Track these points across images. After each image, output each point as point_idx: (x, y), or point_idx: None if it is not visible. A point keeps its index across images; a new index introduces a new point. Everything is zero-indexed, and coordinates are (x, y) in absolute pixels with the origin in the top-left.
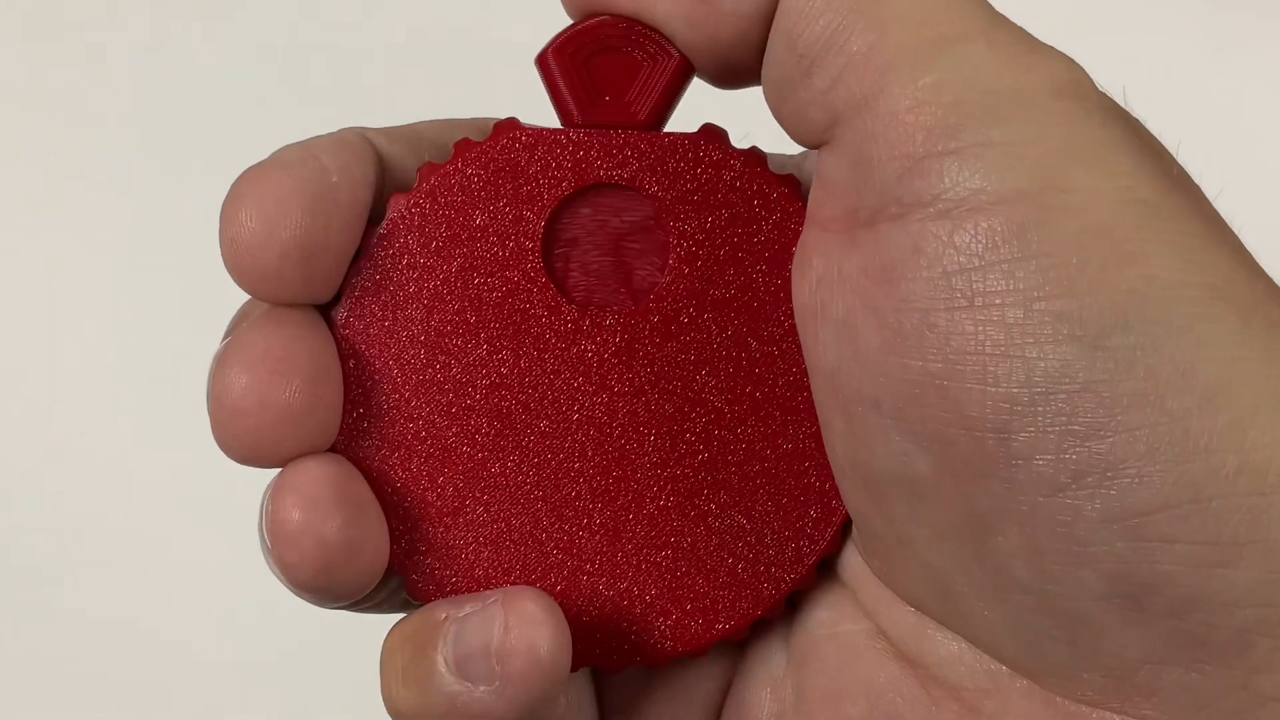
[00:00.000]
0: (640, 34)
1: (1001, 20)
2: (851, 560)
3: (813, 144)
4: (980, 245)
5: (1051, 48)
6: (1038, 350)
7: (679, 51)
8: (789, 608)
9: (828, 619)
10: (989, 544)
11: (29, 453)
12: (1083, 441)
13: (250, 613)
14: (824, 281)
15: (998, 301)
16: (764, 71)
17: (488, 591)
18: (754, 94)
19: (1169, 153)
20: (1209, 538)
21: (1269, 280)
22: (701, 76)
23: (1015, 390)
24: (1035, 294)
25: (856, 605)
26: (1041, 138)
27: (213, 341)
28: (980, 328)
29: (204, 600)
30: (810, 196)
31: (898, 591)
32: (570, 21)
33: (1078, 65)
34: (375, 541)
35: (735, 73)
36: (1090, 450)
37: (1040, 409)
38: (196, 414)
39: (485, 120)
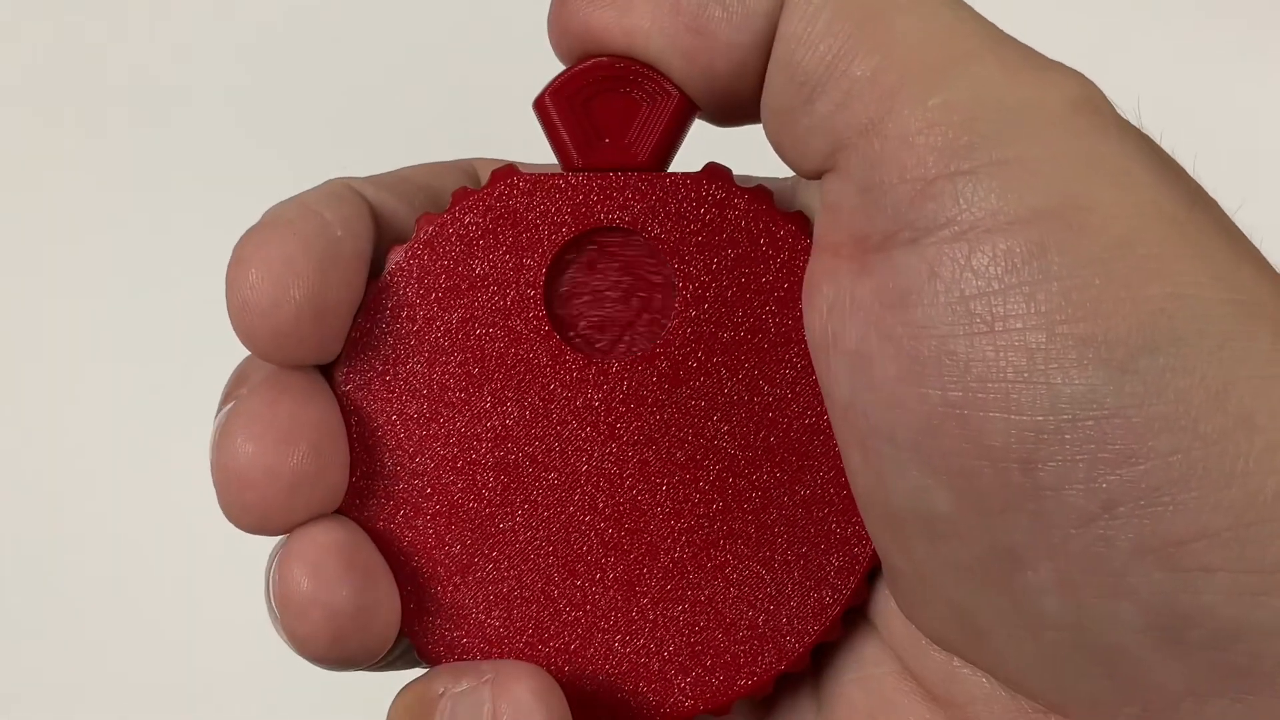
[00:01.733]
0: (638, 73)
1: (1008, 38)
2: (876, 597)
3: (814, 172)
4: (999, 268)
5: (1061, 64)
6: (1063, 375)
7: (678, 90)
8: (817, 657)
9: (854, 662)
10: (1017, 579)
11: (32, 459)
12: (1114, 469)
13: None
14: (835, 309)
15: (1019, 326)
16: (764, 102)
17: (486, 664)
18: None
19: (1184, 169)
20: (1250, 566)
21: None
22: (703, 116)
23: (1040, 418)
24: (1058, 316)
25: (882, 645)
26: (1058, 154)
27: (216, 348)
28: (1001, 353)
29: (208, 607)
30: (816, 223)
31: (922, 629)
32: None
33: (1090, 80)
34: (386, 607)
35: (735, 107)
36: (1122, 478)
37: (1068, 437)
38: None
39: (471, 162)
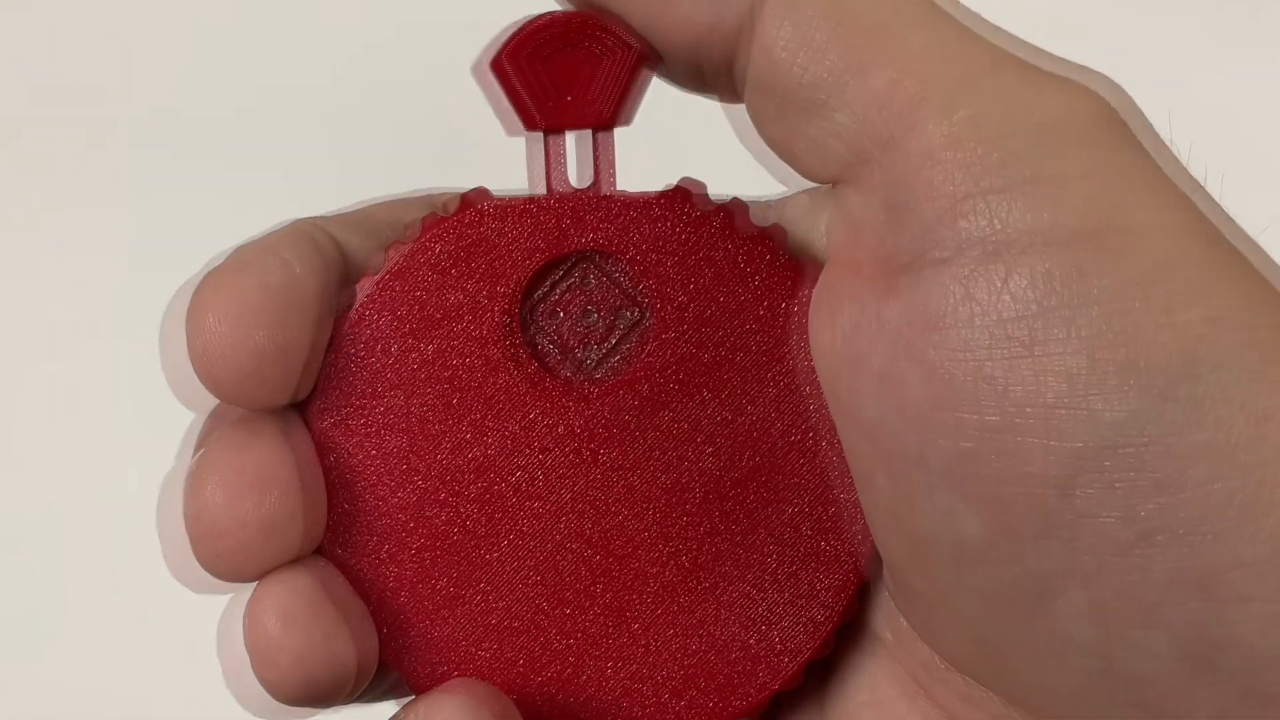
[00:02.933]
0: (597, 26)
1: (1026, 45)
2: (889, 617)
3: (827, 181)
4: (1038, 291)
5: (1087, 69)
6: (1104, 402)
7: (640, 42)
8: (822, 672)
9: (866, 683)
10: (1047, 607)
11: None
12: (1152, 497)
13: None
14: (860, 330)
15: (1059, 350)
16: (754, 104)
17: (432, 692)
18: None
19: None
20: None
21: None
22: (665, 77)
23: (1080, 444)
24: (1099, 342)
25: (896, 665)
26: (1093, 170)
27: None
28: (1041, 378)
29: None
30: (830, 236)
31: (940, 652)
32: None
33: (1118, 86)
34: (359, 649)
35: (696, 80)
36: (1160, 506)
37: (1108, 464)
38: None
39: (436, 195)
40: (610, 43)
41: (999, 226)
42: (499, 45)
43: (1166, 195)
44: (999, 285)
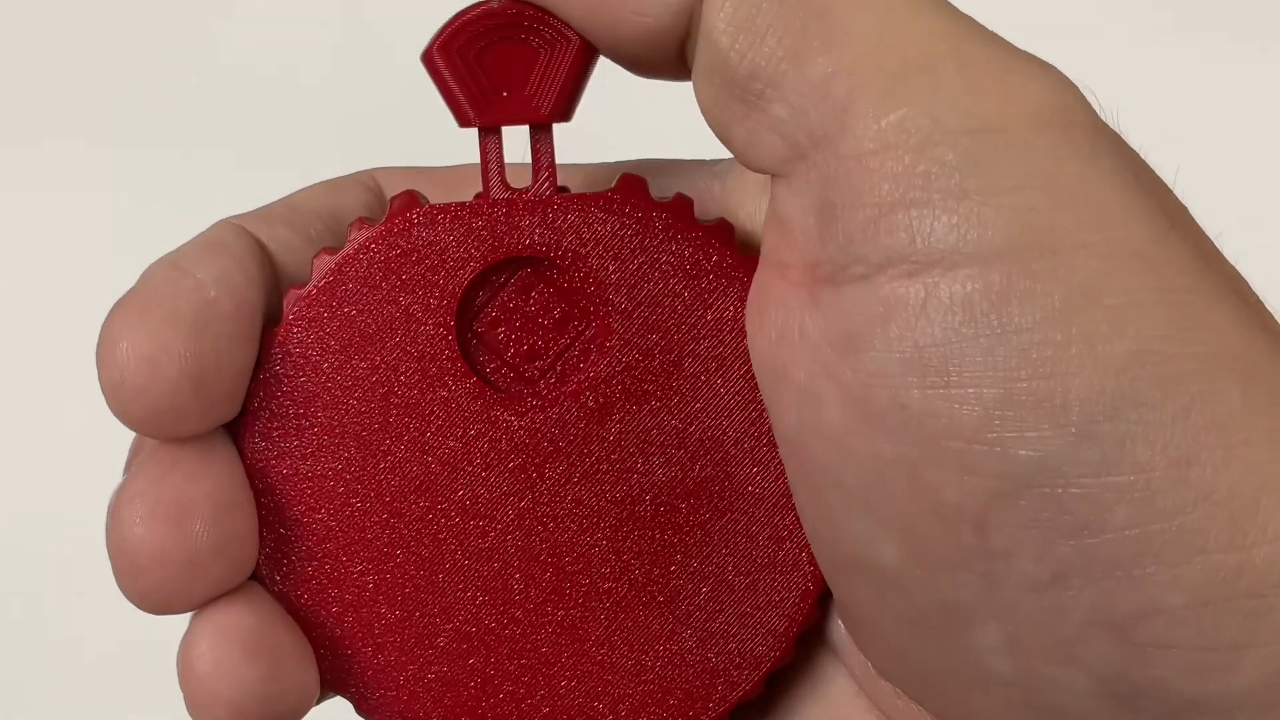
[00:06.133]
0: (533, 18)
1: (974, 31)
2: (831, 615)
3: (765, 173)
4: (957, 318)
5: (1035, 61)
6: (1018, 439)
7: (578, 34)
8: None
9: (809, 678)
10: (964, 637)
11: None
12: (1067, 539)
13: None
14: (784, 340)
15: (975, 382)
16: (699, 87)
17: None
18: None
19: (1161, 180)
20: (1206, 643)
21: (1270, 333)
22: (613, 60)
23: (994, 482)
24: (1017, 374)
25: (837, 663)
26: (1021, 184)
27: None
28: (956, 410)
29: None
30: (765, 232)
31: (872, 663)
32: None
33: (1065, 81)
34: (297, 687)
35: (642, 66)
36: (1076, 548)
37: (1022, 503)
38: None
39: (372, 173)
40: (549, 35)
41: (920, 244)
42: (432, 38)
43: (1101, 207)
44: (917, 309)
